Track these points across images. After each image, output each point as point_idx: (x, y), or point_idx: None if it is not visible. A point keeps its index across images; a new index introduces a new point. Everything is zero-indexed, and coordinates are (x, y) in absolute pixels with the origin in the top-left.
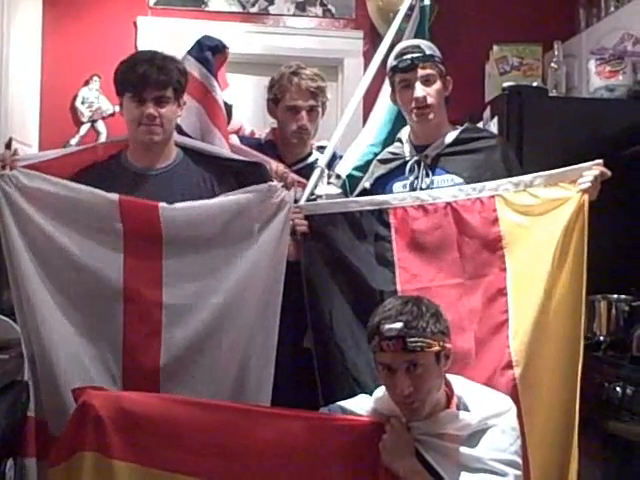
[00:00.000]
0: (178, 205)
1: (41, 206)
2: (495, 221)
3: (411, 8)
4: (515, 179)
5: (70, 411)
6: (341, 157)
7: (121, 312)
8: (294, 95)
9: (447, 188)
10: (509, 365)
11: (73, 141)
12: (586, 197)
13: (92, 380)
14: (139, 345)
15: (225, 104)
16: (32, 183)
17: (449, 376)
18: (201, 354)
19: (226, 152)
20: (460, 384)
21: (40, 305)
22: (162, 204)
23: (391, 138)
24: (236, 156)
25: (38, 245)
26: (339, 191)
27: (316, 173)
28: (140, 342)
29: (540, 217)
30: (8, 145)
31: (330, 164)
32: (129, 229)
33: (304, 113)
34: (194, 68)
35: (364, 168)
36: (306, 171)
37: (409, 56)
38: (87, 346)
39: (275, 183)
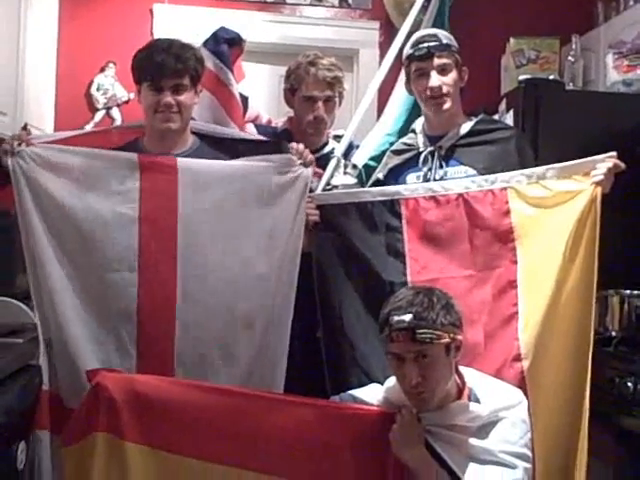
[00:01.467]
0: (195, 160)
1: (58, 178)
2: (507, 213)
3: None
4: (527, 171)
5: (86, 387)
6: (357, 147)
7: (135, 283)
8: (311, 85)
9: (459, 179)
10: (518, 358)
11: (88, 127)
12: (599, 190)
13: (108, 357)
14: (153, 316)
15: (241, 95)
16: (48, 155)
17: (461, 368)
18: (216, 325)
19: (242, 133)
20: (472, 376)
21: (55, 282)
22: (180, 158)
23: (407, 128)
24: (253, 137)
25: (54, 220)
26: (355, 181)
27: (332, 163)
28: (154, 313)
29: (552, 209)
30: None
31: (346, 154)
32: (147, 189)
33: (320, 103)
34: (209, 61)
35: (380, 158)
36: (322, 161)
37: (425, 45)
38: (102, 321)
39: (295, 157)
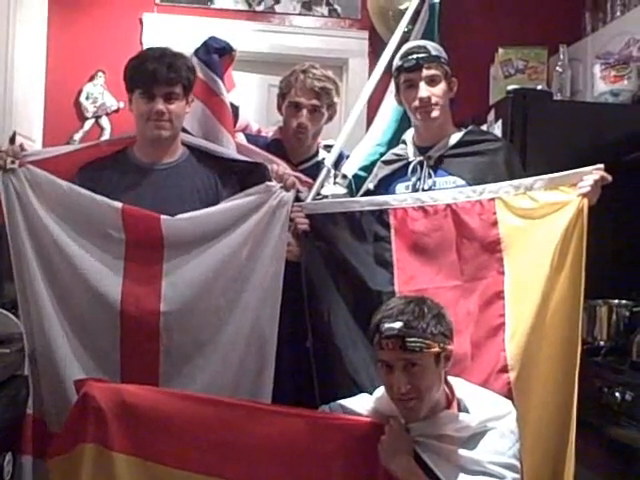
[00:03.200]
0: (180, 217)
1: (47, 205)
2: (494, 224)
3: (417, 11)
4: (515, 182)
5: (70, 403)
6: (347, 157)
7: (118, 318)
8: (298, 92)
9: (447, 190)
10: (504, 369)
11: (77, 136)
12: (586, 201)
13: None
14: (137, 352)
15: (232, 105)
16: (40, 181)
17: (450, 378)
18: (199, 357)
19: (229, 152)
20: (461, 386)
21: (42, 305)
22: (164, 216)
23: (397, 138)
24: (239, 157)
25: (43, 244)
26: (345, 191)
27: (322, 173)
28: (138, 349)
29: (539, 221)
30: (12, 140)
31: (336, 164)
32: (131, 235)
33: (305, 111)
34: (200, 70)
35: (370, 168)
36: (312, 170)
37: (414, 56)
38: (85, 353)
39: (274, 183)
